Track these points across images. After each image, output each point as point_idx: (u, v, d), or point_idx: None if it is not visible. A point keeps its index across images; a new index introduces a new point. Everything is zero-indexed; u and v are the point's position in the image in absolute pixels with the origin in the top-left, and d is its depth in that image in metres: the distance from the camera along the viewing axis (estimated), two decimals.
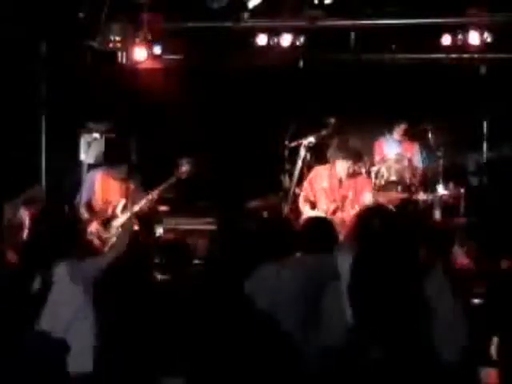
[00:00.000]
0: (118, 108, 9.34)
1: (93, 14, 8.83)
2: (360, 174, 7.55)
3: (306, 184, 7.33)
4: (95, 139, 8.85)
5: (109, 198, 7.24)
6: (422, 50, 9.19)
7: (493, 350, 4.29)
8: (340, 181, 7.17)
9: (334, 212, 7.10)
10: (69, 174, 8.98)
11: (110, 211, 7.19)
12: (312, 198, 7.22)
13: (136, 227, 7.16)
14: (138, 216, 7.20)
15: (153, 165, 8.25)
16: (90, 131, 8.94)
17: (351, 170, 7.17)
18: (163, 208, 8.73)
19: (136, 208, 7.14)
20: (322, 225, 5.02)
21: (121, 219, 7.15)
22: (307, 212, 7.15)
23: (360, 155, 7.40)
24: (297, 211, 7.50)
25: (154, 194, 7.18)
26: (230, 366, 3.61)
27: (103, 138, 9.01)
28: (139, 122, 9.34)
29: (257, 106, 9.61)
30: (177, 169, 7.18)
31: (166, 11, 9.26)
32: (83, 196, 7.40)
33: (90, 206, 7.27)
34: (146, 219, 7.43)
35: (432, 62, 9.27)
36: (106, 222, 7.17)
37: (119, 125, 9.13)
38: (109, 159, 7.47)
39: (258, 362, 3.59)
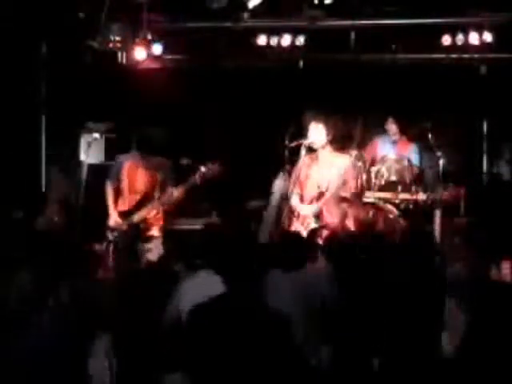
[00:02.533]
0: (118, 108, 9.34)
1: (93, 14, 8.84)
2: (343, 156, 7.31)
3: (292, 177, 7.27)
4: (95, 139, 8.86)
5: (136, 188, 7.15)
6: (422, 49, 9.18)
7: None
8: (321, 165, 7.08)
9: (318, 198, 7.05)
10: (69, 174, 8.99)
11: (132, 203, 7.13)
12: (299, 191, 7.17)
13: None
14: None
15: None
16: (90, 131, 8.95)
17: (326, 138, 7.00)
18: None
19: (156, 203, 7.06)
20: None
21: (141, 213, 7.08)
22: (295, 202, 7.10)
23: (337, 124, 7.13)
24: None
25: (175, 192, 7.06)
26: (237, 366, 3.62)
27: (103, 138, 9.03)
28: (139, 121, 9.34)
29: (257, 105, 9.60)
30: (196, 172, 7.09)
31: (166, 11, 9.26)
32: (109, 180, 7.28)
33: (116, 192, 7.20)
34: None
35: (432, 62, 9.26)
36: (126, 215, 7.11)
37: (119, 125, 9.14)
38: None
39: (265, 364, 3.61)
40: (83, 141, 8.92)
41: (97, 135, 8.88)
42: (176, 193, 7.02)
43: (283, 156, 7.54)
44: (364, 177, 8.27)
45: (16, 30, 8.29)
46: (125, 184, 7.14)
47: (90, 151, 8.75)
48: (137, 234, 7.06)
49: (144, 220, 7.06)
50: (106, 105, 9.25)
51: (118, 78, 9.51)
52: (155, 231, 7.14)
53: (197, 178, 7.03)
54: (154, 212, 7.09)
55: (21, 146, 8.59)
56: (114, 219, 7.04)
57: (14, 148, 8.47)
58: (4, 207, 7.68)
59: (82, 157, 8.86)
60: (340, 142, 7.34)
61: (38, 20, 8.50)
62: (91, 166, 8.70)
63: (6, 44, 8.24)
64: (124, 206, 7.12)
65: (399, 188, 8.10)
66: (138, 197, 7.10)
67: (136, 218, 7.04)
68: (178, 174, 7.29)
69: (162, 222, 7.22)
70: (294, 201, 7.12)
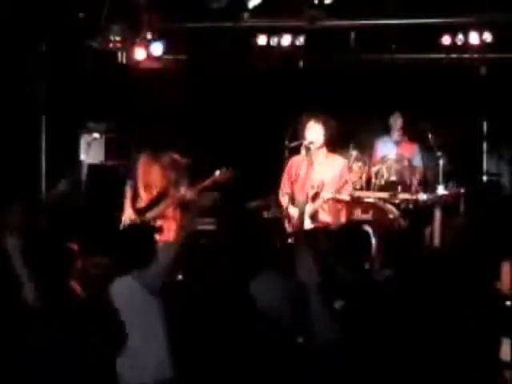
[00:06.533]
0: (118, 108, 9.34)
1: (93, 13, 8.84)
2: (337, 156, 7.29)
3: (283, 178, 7.24)
4: (95, 139, 8.88)
5: (150, 183, 7.17)
6: (422, 49, 9.19)
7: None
8: (316, 165, 7.04)
9: (314, 198, 7.01)
10: (69, 174, 8.99)
11: (147, 200, 7.13)
12: (289, 191, 7.12)
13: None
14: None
15: None
16: (90, 131, 8.96)
17: (324, 138, 6.96)
18: None
19: (170, 201, 7.06)
20: None
21: (156, 210, 7.08)
22: (286, 204, 7.07)
23: (333, 125, 7.10)
24: None
25: (188, 193, 7.08)
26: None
27: (103, 138, 9.04)
28: (139, 121, 9.35)
29: (257, 106, 9.61)
30: (214, 175, 7.13)
31: (165, 11, 9.27)
32: (128, 179, 7.28)
33: (134, 188, 7.20)
34: None
35: (432, 62, 9.27)
36: (143, 211, 7.11)
37: (119, 125, 9.14)
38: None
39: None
40: (83, 141, 8.92)
41: (97, 135, 8.89)
42: (189, 194, 7.06)
43: (283, 156, 7.55)
44: (364, 177, 8.32)
45: (16, 30, 8.29)
46: (140, 180, 7.18)
47: (90, 151, 8.76)
48: (150, 230, 7.08)
49: (159, 217, 7.09)
50: (106, 105, 9.25)
51: (118, 78, 9.51)
52: (171, 235, 7.15)
53: (210, 181, 7.09)
54: (170, 210, 7.13)
55: (21, 146, 8.58)
56: (128, 215, 7.08)
57: (14, 148, 8.46)
58: (4, 207, 7.67)
59: (82, 157, 8.87)
60: (339, 143, 7.33)
61: (38, 20, 8.50)
62: (91, 166, 8.71)
63: (5, 44, 8.24)
64: (140, 204, 7.16)
65: (399, 188, 8.11)
66: (152, 195, 7.13)
67: (150, 214, 7.07)
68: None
69: (176, 227, 7.21)
70: (285, 203, 7.09)
